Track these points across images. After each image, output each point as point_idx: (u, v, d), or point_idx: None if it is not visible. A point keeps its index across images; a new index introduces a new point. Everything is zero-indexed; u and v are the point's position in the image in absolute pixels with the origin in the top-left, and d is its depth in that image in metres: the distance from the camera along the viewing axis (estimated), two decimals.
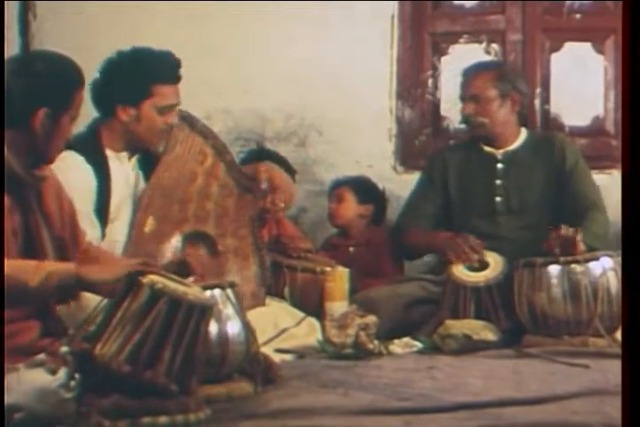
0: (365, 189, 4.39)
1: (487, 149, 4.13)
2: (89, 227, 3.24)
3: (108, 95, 3.42)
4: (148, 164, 3.58)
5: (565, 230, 3.69)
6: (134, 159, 3.55)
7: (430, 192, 4.18)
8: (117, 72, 3.42)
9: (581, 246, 3.70)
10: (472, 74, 4.11)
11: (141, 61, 3.42)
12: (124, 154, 3.51)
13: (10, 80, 2.52)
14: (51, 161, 2.63)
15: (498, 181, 4.11)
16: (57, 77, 2.55)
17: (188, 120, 3.61)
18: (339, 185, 4.41)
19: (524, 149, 4.13)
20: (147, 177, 3.57)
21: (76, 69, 2.60)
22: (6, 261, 2.40)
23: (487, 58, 4.58)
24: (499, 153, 4.12)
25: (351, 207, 4.37)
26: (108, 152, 3.45)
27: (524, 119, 4.22)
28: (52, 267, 2.46)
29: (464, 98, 4.10)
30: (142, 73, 3.40)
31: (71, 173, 3.20)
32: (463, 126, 4.27)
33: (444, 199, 4.17)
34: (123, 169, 3.49)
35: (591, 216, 3.95)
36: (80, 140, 3.36)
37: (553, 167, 4.08)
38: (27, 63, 2.58)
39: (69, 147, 3.30)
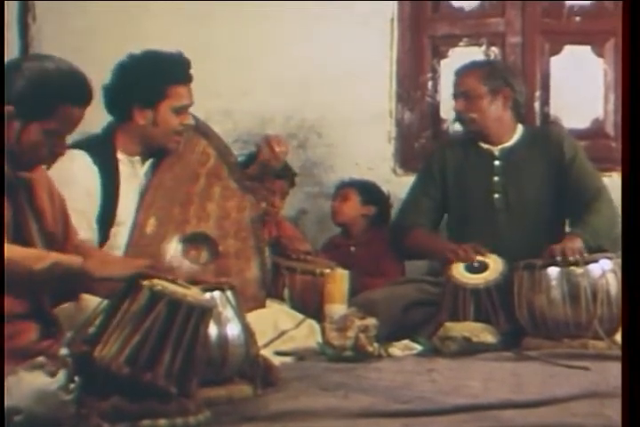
0: (370, 192, 4.41)
1: (484, 145, 4.13)
2: (87, 227, 3.25)
3: (124, 99, 3.42)
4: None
5: (566, 243, 3.70)
6: (147, 164, 3.54)
7: (429, 189, 4.18)
8: (131, 75, 3.42)
9: (583, 250, 3.72)
10: (463, 72, 4.13)
11: (154, 63, 3.43)
12: (138, 158, 3.51)
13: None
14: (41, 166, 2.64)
15: (496, 178, 4.10)
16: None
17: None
18: (344, 186, 4.44)
19: (521, 144, 4.12)
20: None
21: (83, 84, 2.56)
22: (10, 247, 2.38)
23: None
24: (496, 149, 4.12)
25: (354, 206, 4.39)
26: (121, 156, 3.46)
27: (523, 120, 4.21)
28: (58, 257, 2.45)
29: (456, 96, 4.11)
30: (156, 75, 3.40)
31: (76, 172, 3.28)
32: (462, 128, 4.27)
33: (443, 196, 4.17)
34: (134, 173, 3.50)
35: (595, 209, 3.93)
36: (93, 141, 3.42)
37: (552, 161, 4.06)
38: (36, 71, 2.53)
39: (80, 146, 3.33)
